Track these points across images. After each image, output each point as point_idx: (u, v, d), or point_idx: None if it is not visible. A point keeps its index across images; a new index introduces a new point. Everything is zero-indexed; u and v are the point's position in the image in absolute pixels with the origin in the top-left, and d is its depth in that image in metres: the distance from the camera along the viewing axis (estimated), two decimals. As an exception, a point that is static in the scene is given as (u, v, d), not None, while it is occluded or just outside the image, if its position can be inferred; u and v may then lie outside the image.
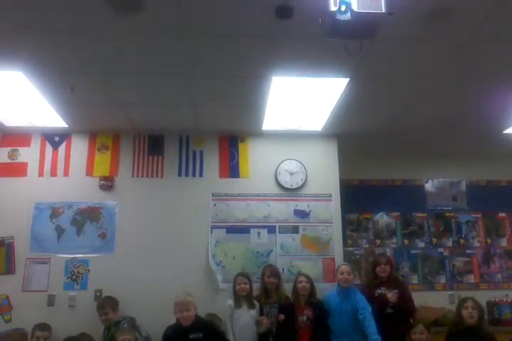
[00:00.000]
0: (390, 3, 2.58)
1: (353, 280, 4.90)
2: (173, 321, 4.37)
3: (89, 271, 5.22)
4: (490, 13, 3.15)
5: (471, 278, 6.27)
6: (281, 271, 5.29)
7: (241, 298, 4.78)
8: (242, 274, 4.95)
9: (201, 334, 4.23)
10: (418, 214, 6.43)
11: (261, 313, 4.75)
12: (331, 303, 4.80)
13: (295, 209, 5.59)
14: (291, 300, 4.85)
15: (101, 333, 4.77)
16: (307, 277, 4.89)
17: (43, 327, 4.70)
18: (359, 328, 4.53)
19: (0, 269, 5.17)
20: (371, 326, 4.44)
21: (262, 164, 5.69)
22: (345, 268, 4.84)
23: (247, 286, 4.82)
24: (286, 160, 5.70)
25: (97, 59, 3.81)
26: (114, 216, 5.42)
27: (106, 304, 4.80)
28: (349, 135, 5.69)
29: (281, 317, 4.66)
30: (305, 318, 4.71)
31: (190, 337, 4.19)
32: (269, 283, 4.89)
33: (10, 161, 5.50)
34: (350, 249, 6.17)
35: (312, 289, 4.86)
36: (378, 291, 4.84)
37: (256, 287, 4.94)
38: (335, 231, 5.56)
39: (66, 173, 5.51)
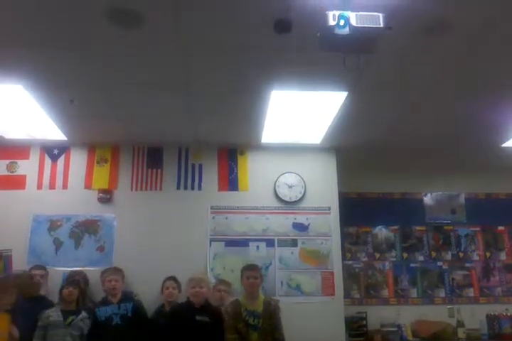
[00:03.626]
0: (389, 17, 2.59)
1: None
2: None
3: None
4: (489, 26, 3.17)
5: (471, 292, 6.23)
6: (279, 284, 5.29)
7: None
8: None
9: (208, 319, 4.17)
10: (417, 228, 6.41)
11: None
12: None
13: (294, 223, 5.58)
14: None
15: None
16: None
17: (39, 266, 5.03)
18: None
19: (-3, 282, 5.15)
20: None
21: (261, 177, 5.69)
22: None
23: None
24: (285, 173, 5.70)
25: (97, 72, 3.82)
26: (112, 229, 5.41)
27: (106, 270, 4.92)
28: (348, 148, 5.70)
29: None
30: None
31: (197, 318, 4.14)
32: None
33: (8, 174, 5.50)
34: (349, 262, 6.15)
35: None
36: None
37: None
38: (334, 245, 5.55)
39: (65, 186, 5.51)
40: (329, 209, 5.65)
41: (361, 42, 2.67)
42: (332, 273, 5.45)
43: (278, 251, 5.48)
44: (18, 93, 4.15)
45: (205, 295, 4.28)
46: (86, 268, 5.22)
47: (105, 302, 4.62)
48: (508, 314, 5.85)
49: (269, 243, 5.49)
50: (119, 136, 5.38)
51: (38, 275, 4.87)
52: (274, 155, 5.75)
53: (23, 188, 5.47)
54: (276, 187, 5.65)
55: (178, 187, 5.61)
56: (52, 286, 5.14)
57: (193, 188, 5.62)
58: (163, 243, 5.34)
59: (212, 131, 5.26)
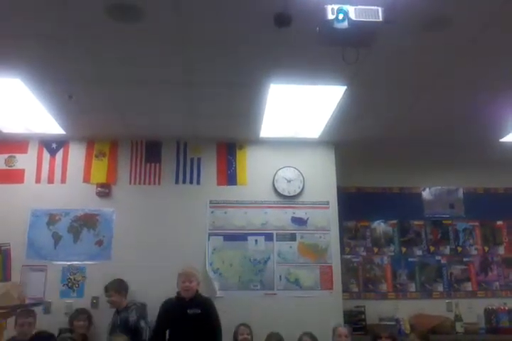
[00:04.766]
0: (388, 12, 2.59)
1: None
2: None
3: (85, 278, 5.21)
4: (488, 23, 3.17)
5: (469, 286, 6.25)
6: (278, 278, 5.31)
7: None
8: (244, 324, 4.90)
9: (199, 311, 4.24)
10: (415, 222, 6.42)
11: None
12: None
13: (292, 217, 5.58)
14: None
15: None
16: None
17: (27, 313, 4.55)
18: None
19: (-4, 276, 5.16)
20: None
21: (260, 171, 5.69)
22: (342, 330, 4.80)
23: (249, 337, 4.80)
24: (283, 167, 5.70)
25: (96, 67, 3.81)
26: (111, 223, 5.41)
27: (109, 287, 4.90)
28: (346, 142, 5.70)
29: None
30: None
31: (189, 312, 4.21)
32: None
33: (7, 168, 5.50)
34: (348, 256, 6.16)
35: None
36: None
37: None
38: (332, 239, 5.56)
39: (63, 180, 5.50)
40: (328, 203, 5.66)
41: (360, 36, 2.66)
42: (330, 267, 5.46)
43: (277, 245, 5.48)
44: (16, 87, 4.13)
45: (195, 288, 4.35)
46: (85, 262, 5.24)
47: None
48: (506, 308, 5.87)
49: (268, 237, 5.49)
50: (118, 130, 5.37)
51: (26, 324, 4.48)
52: (272, 149, 5.75)
53: (22, 182, 5.47)
54: (275, 181, 5.65)
55: (177, 182, 5.61)
56: (50, 283, 5.17)
57: (191, 182, 5.62)
58: (162, 237, 5.34)
59: (211, 125, 5.25)
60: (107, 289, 4.91)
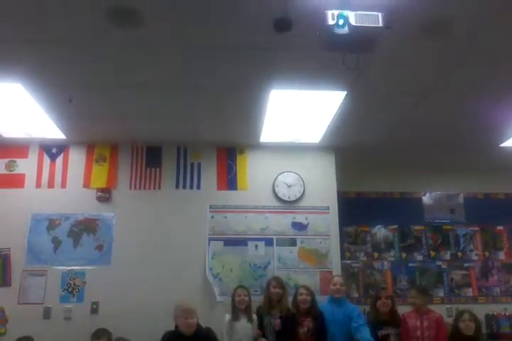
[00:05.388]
0: (388, 16, 2.59)
1: (345, 291, 5.09)
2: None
3: (85, 283, 5.19)
4: (489, 26, 3.17)
5: (469, 292, 6.23)
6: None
7: (239, 310, 4.76)
8: (242, 286, 4.98)
9: None
10: (416, 227, 6.40)
11: (260, 325, 4.72)
12: (323, 312, 4.82)
13: (293, 222, 5.58)
14: (292, 312, 4.77)
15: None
16: (308, 289, 4.88)
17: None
18: (351, 337, 4.60)
19: (-4, 281, 5.14)
20: (364, 332, 4.54)
21: (260, 176, 5.69)
22: (338, 279, 5.02)
23: (247, 298, 4.82)
24: (284, 172, 5.70)
25: (96, 71, 3.82)
26: (111, 228, 5.40)
27: (102, 334, 4.68)
28: (347, 147, 5.70)
29: (277, 322, 4.64)
30: (305, 330, 4.67)
31: None
32: (275, 293, 4.83)
33: (7, 172, 5.49)
34: (348, 261, 6.14)
35: (313, 301, 4.82)
36: (382, 332, 4.77)
37: (255, 300, 4.93)
38: (332, 244, 5.55)
39: (63, 185, 5.50)
40: (328, 208, 5.65)
41: (360, 41, 2.67)
42: (331, 273, 5.43)
43: (277, 251, 5.47)
44: (16, 91, 4.14)
45: (196, 323, 4.12)
46: (85, 267, 5.23)
47: None
48: (507, 314, 5.86)
49: (268, 242, 5.49)
50: (118, 135, 5.37)
51: None
52: (273, 154, 5.75)
53: (22, 187, 5.47)
54: (275, 186, 5.65)
55: (177, 186, 5.61)
56: (49, 288, 5.15)
57: (191, 187, 5.62)
58: (162, 242, 5.33)
59: (212, 130, 5.25)
60: (98, 336, 4.66)
